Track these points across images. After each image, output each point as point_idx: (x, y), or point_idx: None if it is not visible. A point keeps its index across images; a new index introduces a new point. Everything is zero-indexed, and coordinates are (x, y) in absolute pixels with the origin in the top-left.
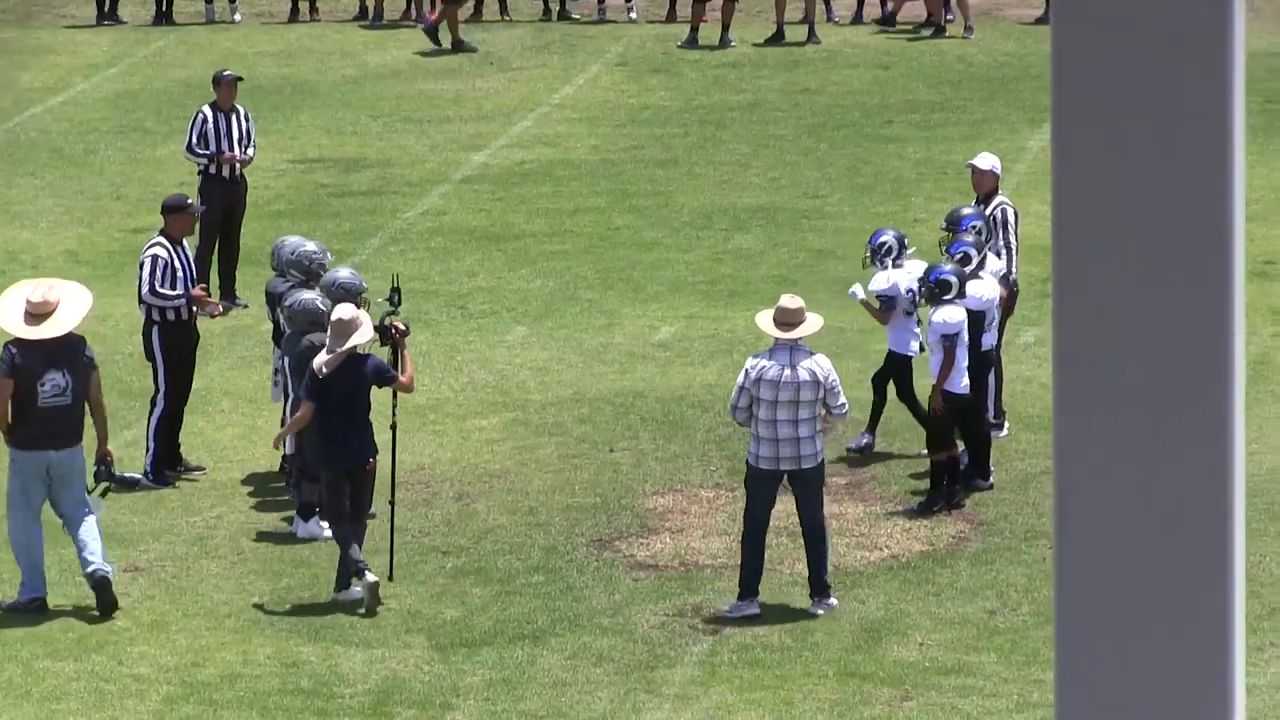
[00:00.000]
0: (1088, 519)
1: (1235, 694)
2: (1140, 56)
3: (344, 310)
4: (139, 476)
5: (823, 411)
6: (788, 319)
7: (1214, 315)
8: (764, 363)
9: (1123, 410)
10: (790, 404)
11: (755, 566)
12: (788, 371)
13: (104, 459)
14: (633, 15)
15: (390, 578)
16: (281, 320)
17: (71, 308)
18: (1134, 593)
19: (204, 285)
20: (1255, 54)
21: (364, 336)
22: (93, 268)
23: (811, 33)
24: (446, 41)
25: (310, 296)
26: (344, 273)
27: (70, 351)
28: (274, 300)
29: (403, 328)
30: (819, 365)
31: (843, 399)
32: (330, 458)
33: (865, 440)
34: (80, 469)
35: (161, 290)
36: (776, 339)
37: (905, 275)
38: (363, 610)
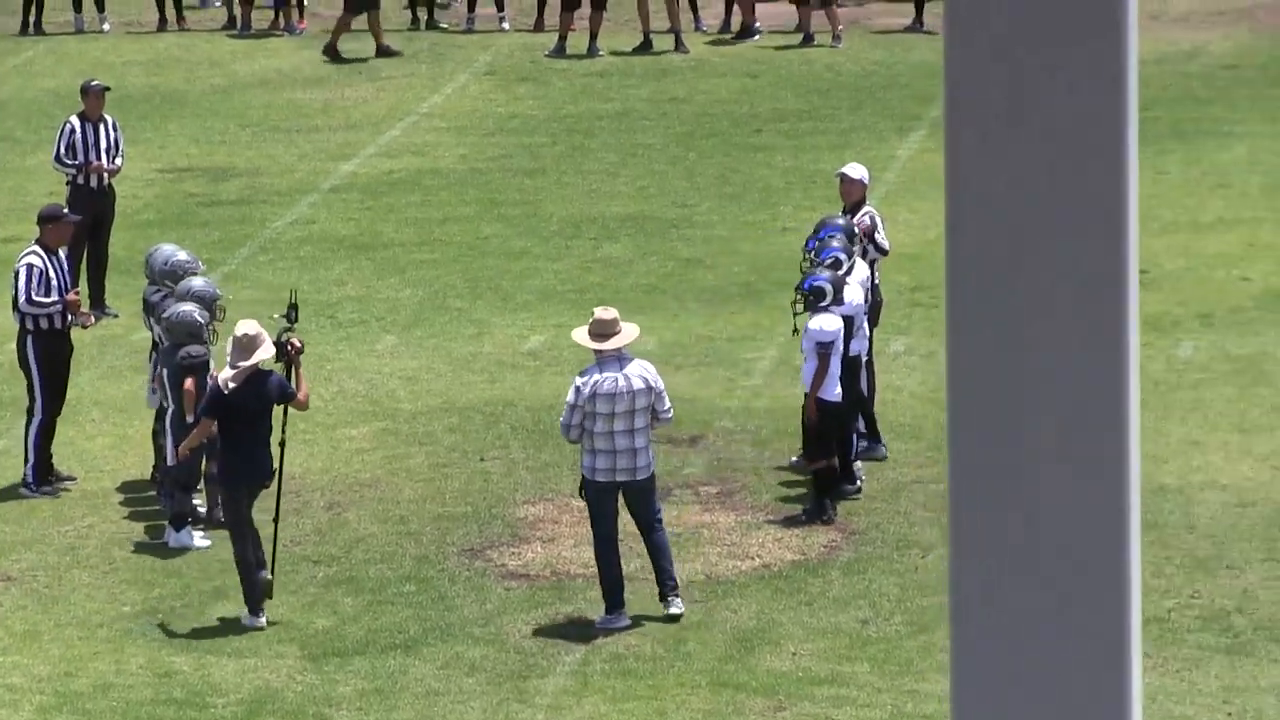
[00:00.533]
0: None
1: (1132, 707)
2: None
3: (247, 326)
4: None
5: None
6: (604, 330)
7: (1109, 324)
8: (596, 377)
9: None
10: (626, 414)
11: (616, 578)
12: (622, 381)
13: None
14: (505, 25)
15: (270, 595)
16: (156, 331)
17: None
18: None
19: (76, 290)
20: None
21: (267, 353)
22: None
23: (679, 42)
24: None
25: (189, 309)
26: (198, 281)
27: None
28: (150, 309)
29: (299, 344)
30: (647, 370)
31: (669, 404)
32: (239, 475)
33: (882, 450)
34: None
35: (38, 299)
36: (598, 351)
37: (851, 290)
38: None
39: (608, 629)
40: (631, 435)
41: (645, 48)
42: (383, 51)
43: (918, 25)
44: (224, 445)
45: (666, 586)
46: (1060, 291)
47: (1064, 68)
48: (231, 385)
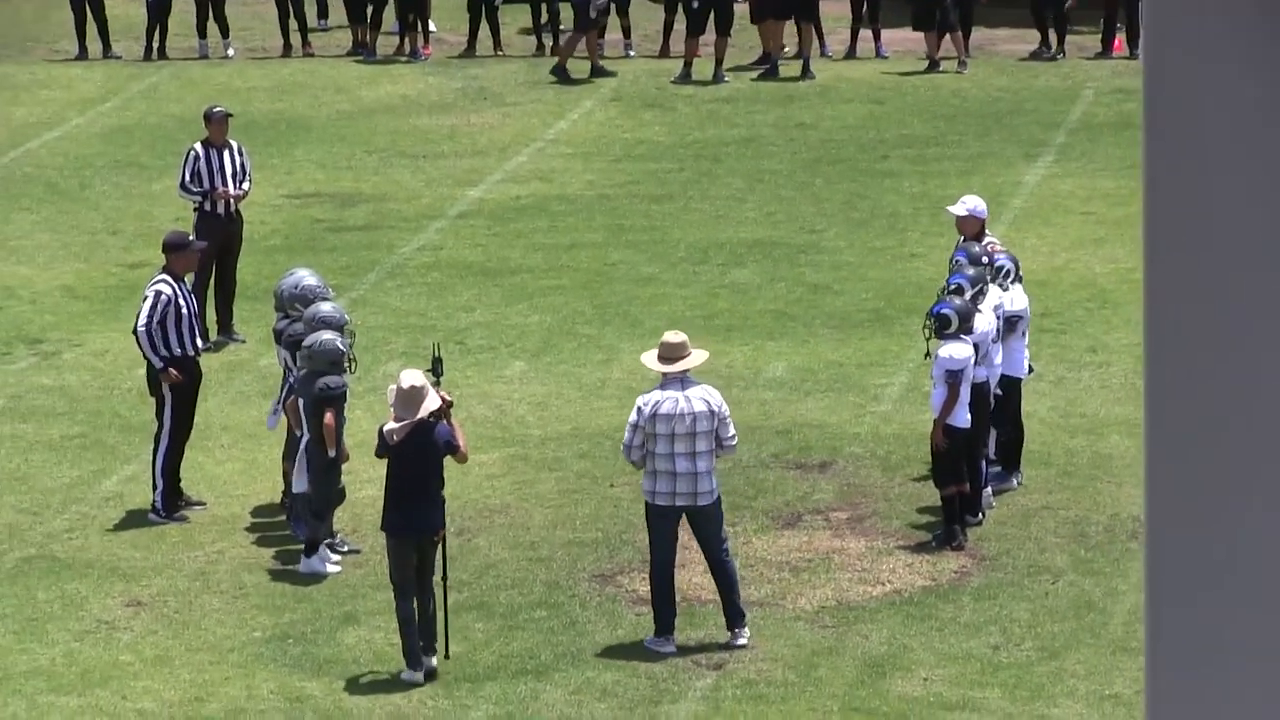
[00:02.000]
0: (1179, 560)
1: None
2: (1229, 75)
3: (412, 378)
4: None
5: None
6: (672, 354)
7: None
8: (658, 396)
9: (1218, 442)
10: (687, 437)
11: (669, 605)
12: (683, 403)
13: None
14: (630, 53)
15: (446, 655)
16: (284, 356)
17: None
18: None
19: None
20: None
21: (433, 405)
22: (90, 303)
23: (806, 67)
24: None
25: (330, 337)
26: (326, 307)
27: None
28: (278, 336)
29: (449, 399)
30: (711, 395)
31: (733, 430)
32: (397, 526)
33: (1015, 481)
34: None
35: (153, 337)
36: (665, 374)
37: (981, 317)
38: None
39: (654, 650)
40: (693, 459)
41: (771, 73)
42: (597, 71)
43: (1044, 50)
44: (389, 497)
45: (734, 618)
46: (1260, 308)
47: (1259, 80)
48: (397, 438)
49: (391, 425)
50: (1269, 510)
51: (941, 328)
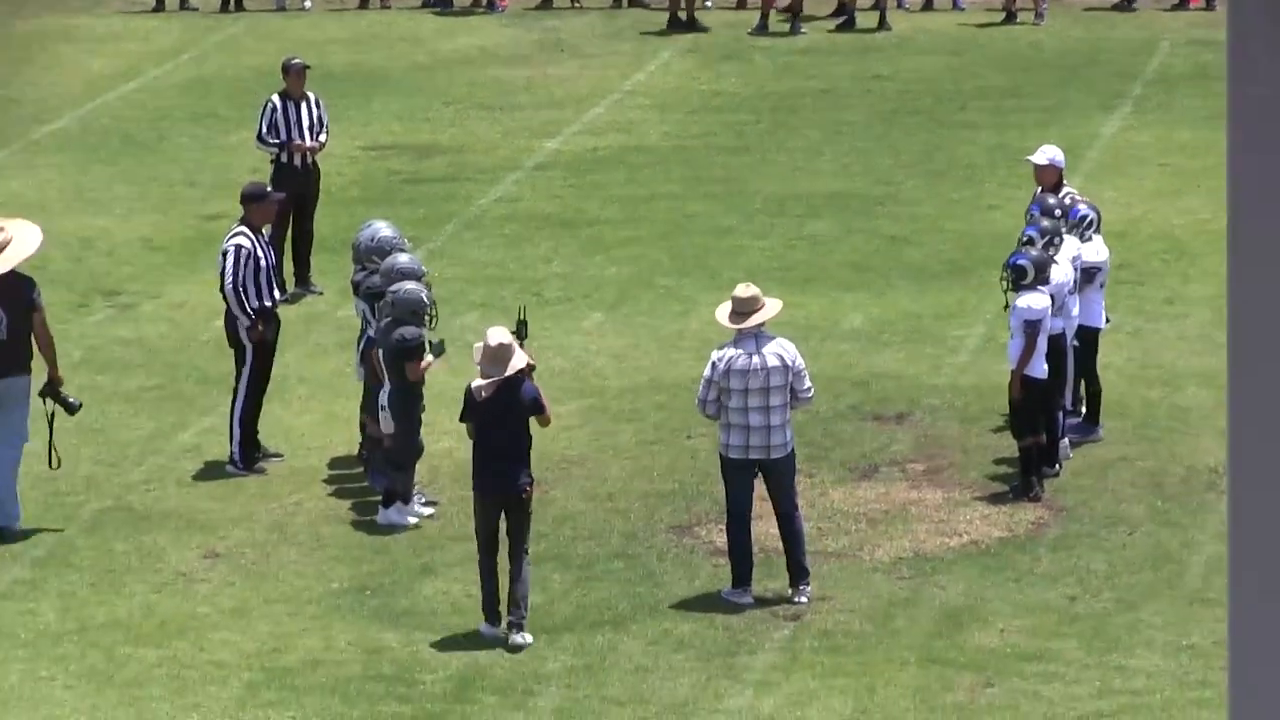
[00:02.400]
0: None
1: None
2: None
3: (500, 335)
4: (78, 402)
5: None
6: (744, 308)
7: None
8: (731, 352)
9: None
10: (761, 391)
11: (746, 556)
12: (756, 359)
13: (52, 383)
14: (709, 4)
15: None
16: (362, 308)
17: (17, 248)
18: None
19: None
20: None
21: (521, 363)
22: (168, 254)
23: (883, 19)
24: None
25: (414, 287)
26: (403, 258)
27: (10, 290)
28: (356, 288)
29: (533, 361)
30: (785, 349)
31: (809, 383)
32: (484, 486)
33: (1098, 433)
34: (19, 396)
35: (241, 292)
36: (738, 329)
37: (1058, 269)
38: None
39: (731, 601)
40: (767, 413)
41: (848, 25)
42: (682, 23)
43: (1122, 1)
44: (476, 455)
45: (797, 575)
46: None
47: None
48: (485, 394)
49: (479, 382)
50: None
51: (1018, 279)
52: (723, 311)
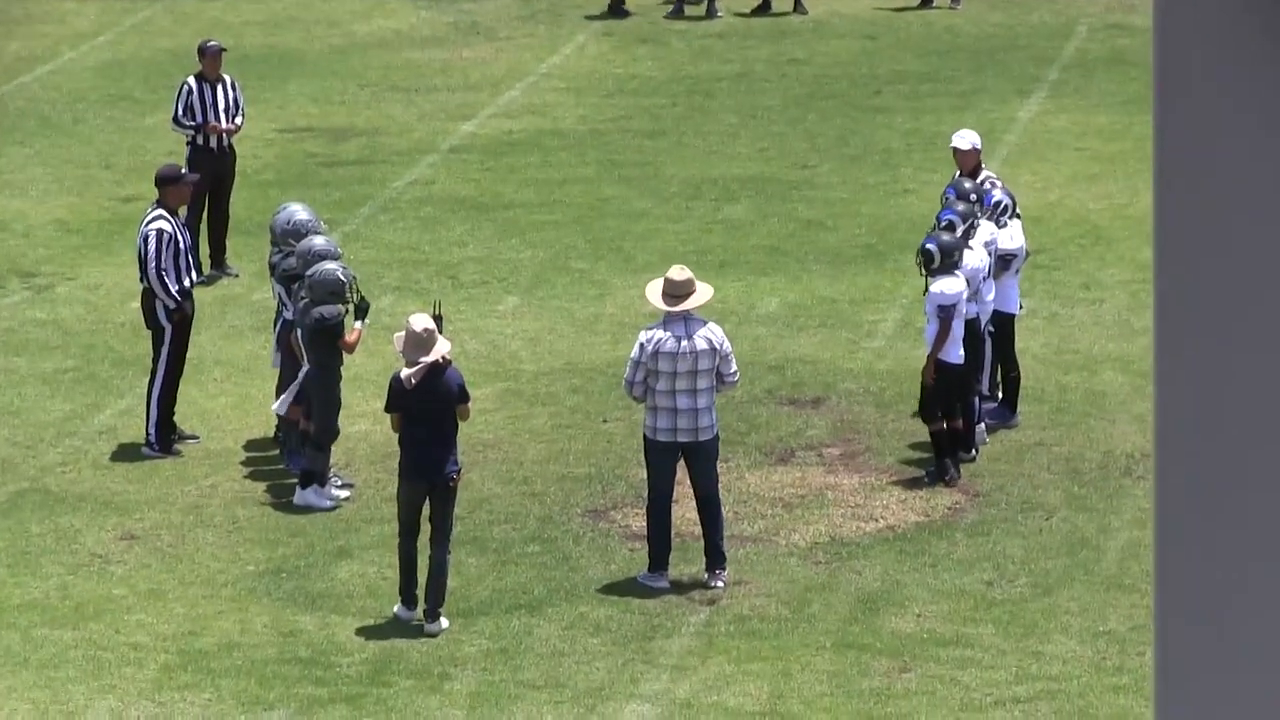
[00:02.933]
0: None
1: None
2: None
3: (424, 321)
4: None
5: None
6: (677, 290)
7: None
8: (659, 334)
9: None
10: (689, 374)
11: (665, 540)
12: (685, 342)
13: None
14: None
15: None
16: (278, 291)
17: None
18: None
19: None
20: None
21: (446, 348)
22: (83, 236)
23: (798, 3)
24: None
25: (332, 267)
26: (319, 240)
27: None
28: (273, 270)
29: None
30: (714, 333)
31: (734, 367)
32: (412, 472)
33: (1015, 418)
34: None
35: (165, 277)
36: (667, 312)
37: (972, 254)
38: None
39: (647, 586)
40: (694, 395)
41: (764, 9)
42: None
43: None
44: (403, 442)
45: (715, 560)
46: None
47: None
48: (415, 381)
49: (406, 371)
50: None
51: (926, 263)
52: (654, 292)
